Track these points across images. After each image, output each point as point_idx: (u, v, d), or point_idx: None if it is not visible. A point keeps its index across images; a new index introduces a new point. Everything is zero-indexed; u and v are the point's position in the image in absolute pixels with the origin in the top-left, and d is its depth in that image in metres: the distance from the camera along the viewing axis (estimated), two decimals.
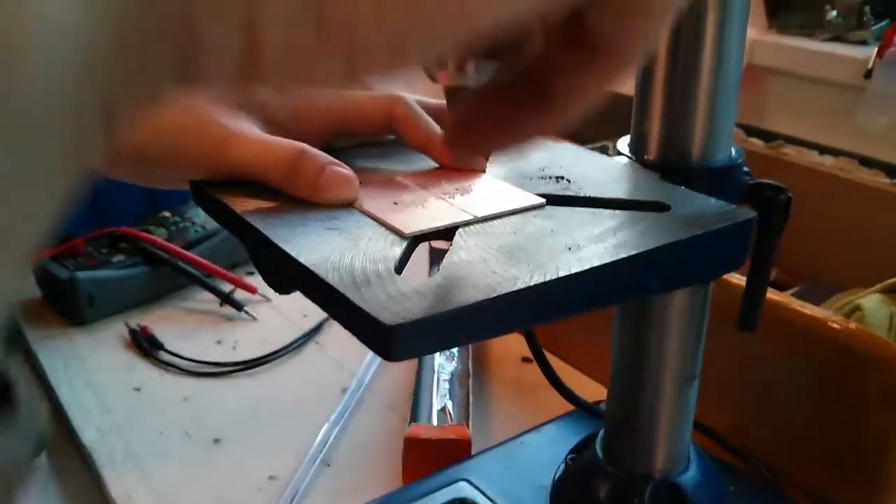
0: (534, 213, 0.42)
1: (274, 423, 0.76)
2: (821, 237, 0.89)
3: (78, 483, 0.72)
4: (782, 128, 1.05)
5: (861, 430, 0.62)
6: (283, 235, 0.39)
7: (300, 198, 0.43)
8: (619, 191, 0.45)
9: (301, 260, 0.36)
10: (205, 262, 0.95)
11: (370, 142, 0.52)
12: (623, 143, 0.53)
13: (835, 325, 0.61)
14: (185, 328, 0.91)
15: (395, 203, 0.43)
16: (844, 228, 0.87)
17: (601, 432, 0.60)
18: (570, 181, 0.46)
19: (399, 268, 0.36)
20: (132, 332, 0.88)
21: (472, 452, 0.68)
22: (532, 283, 0.34)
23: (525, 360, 0.83)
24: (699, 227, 0.40)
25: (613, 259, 0.37)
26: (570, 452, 0.64)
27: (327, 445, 0.72)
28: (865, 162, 0.90)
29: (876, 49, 0.99)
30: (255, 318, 0.92)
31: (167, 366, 0.84)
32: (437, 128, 0.48)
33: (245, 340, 0.89)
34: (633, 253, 0.37)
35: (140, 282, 0.93)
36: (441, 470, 0.65)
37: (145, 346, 0.86)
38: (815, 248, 0.90)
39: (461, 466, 0.65)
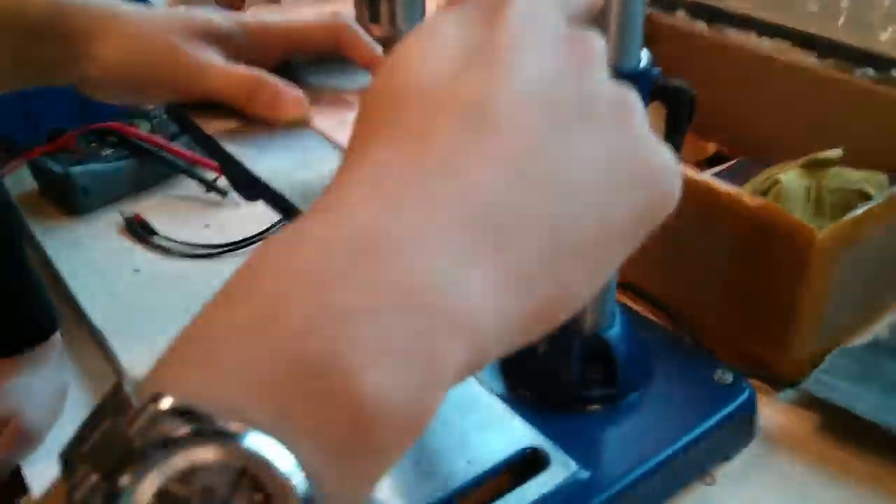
0: None
1: None
2: (758, 115, 0.97)
3: (90, 357, 0.82)
4: (728, 4, 1.10)
5: (772, 290, 0.71)
6: (246, 153, 0.47)
7: (260, 118, 0.51)
8: None
9: (262, 177, 0.44)
10: (188, 153, 1.02)
11: (321, 58, 0.59)
12: None
13: (746, 201, 0.69)
14: (174, 215, 0.99)
15: (344, 120, 0.51)
16: (778, 107, 0.95)
17: None
18: None
19: None
20: (127, 220, 0.96)
21: None
22: None
23: None
24: None
25: None
26: None
27: None
28: (803, 41, 0.97)
29: None
30: (237, 204, 1.00)
31: (162, 249, 0.93)
32: (379, 48, 0.55)
33: (230, 223, 0.97)
34: None
35: (129, 173, 1.00)
36: None
37: (140, 232, 0.94)
38: (754, 124, 0.97)
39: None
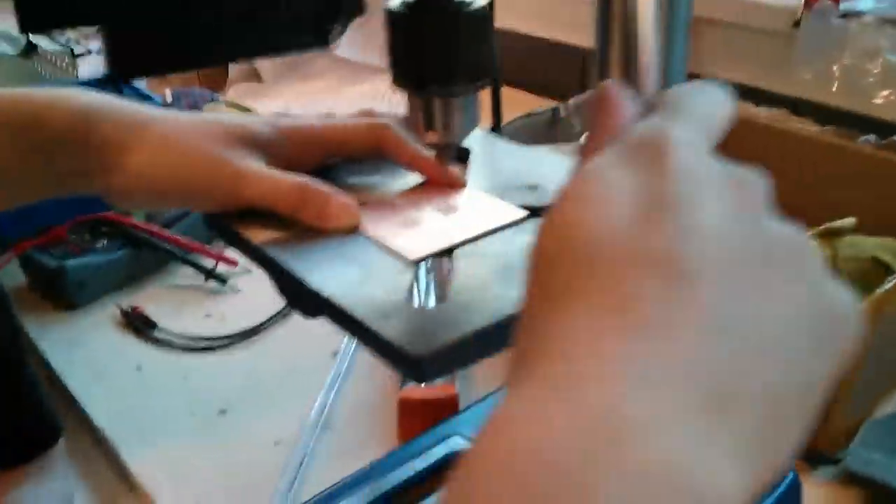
0: (520, 227, 0.49)
1: (272, 391, 0.83)
2: None
3: (95, 462, 0.78)
4: (720, 75, 1.12)
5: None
6: (302, 266, 0.45)
7: (309, 226, 0.49)
8: None
9: (325, 293, 0.42)
10: (184, 240, 0.99)
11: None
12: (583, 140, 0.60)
13: None
14: (173, 305, 0.96)
15: (396, 225, 0.49)
16: (781, 175, 0.95)
17: None
18: (545, 189, 0.53)
19: (410, 294, 0.42)
20: (124, 313, 0.93)
21: (461, 408, 0.75)
22: None
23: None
24: None
25: None
26: None
27: (326, 410, 0.79)
28: (797, 108, 0.98)
29: (803, 1, 1.06)
30: (238, 291, 0.98)
31: (162, 344, 0.90)
32: (420, 148, 0.54)
33: (232, 313, 0.95)
34: None
35: (125, 264, 0.98)
36: (433, 427, 0.73)
37: (139, 325, 0.91)
38: None
39: (452, 422, 0.73)
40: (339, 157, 0.56)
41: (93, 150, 0.51)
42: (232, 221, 0.50)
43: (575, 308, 0.25)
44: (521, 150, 0.60)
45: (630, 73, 0.55)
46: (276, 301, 0.95)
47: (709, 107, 0.33)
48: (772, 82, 1.08)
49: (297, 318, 0.94)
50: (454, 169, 0.52)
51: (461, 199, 0.52)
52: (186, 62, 0.40)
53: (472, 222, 0.49)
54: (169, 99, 1.26)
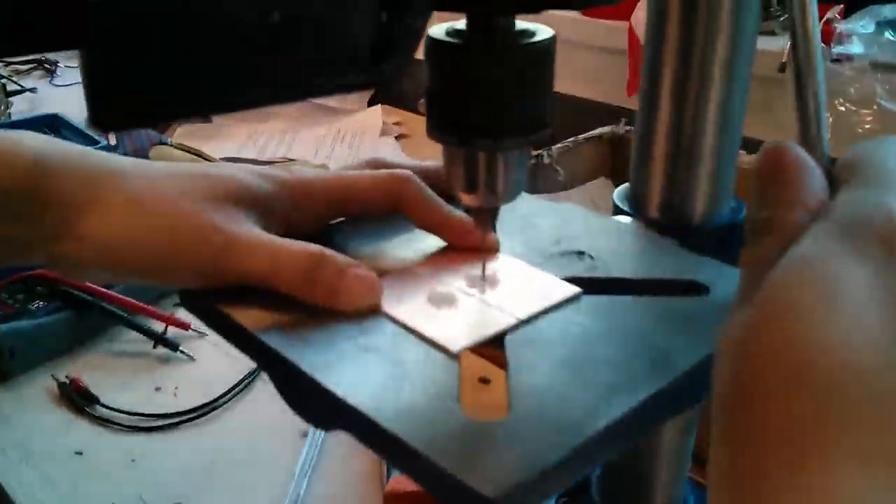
0: (575, 305, 0.40)
1: (235, 479, 0.73)
2: None
3: None
4: None
5: None
6: (315, 363, 0.36)
7: (316, 304, 0.40)
8: (644, 266, 0.44)
9: (352, 402, 0.33)
10: (130, 300, 0.89)
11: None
12: (620, 197, 0.52)
13: None
14: (118, 376, 0.85)
15: (423, 305, 0.40)
16: None
17: (596, 474, 0.59)
18: (592, 257, 0.45)
19: (459, 400, 0.34)
20: (62, 385, 0.82)
21: None
22: (618, 416, 0.32)
23: (483, 380, 0.82)
24: None
25: (689, 365, 0.35)
26: (562, 496, 0.63)
27: (299, 501, 0.69)
28: None
29: (790, 44, 1.01)
30: (192, 358, 0.87)
31: (106, 422, 0.79)
32: (448, 207, 0.45)
33: (186, 384, 0.84)
34: (702, 356, 0.36)
35: (63, 328, 0.86)
36: None
37: (79, 401, 0.80)
38: None
39: None
40: (347, 216, 0.48)
41: (42, 214, 0.41)
42: (216, 299, 0.41)
43: (840, 467, 0.19)
44: (548, 206, 0.52)
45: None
46: (235, 370, 0.86)
47: None
48: (758, 130, 1.02)
49: (259, 391, 0.84)
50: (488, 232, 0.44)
51: (497, 269, 0.44)
52: (195, 105, 0.31)
53: (516, 300, 0.41)
54: (113, 141, 1.15)
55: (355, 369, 0.35)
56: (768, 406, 0.21)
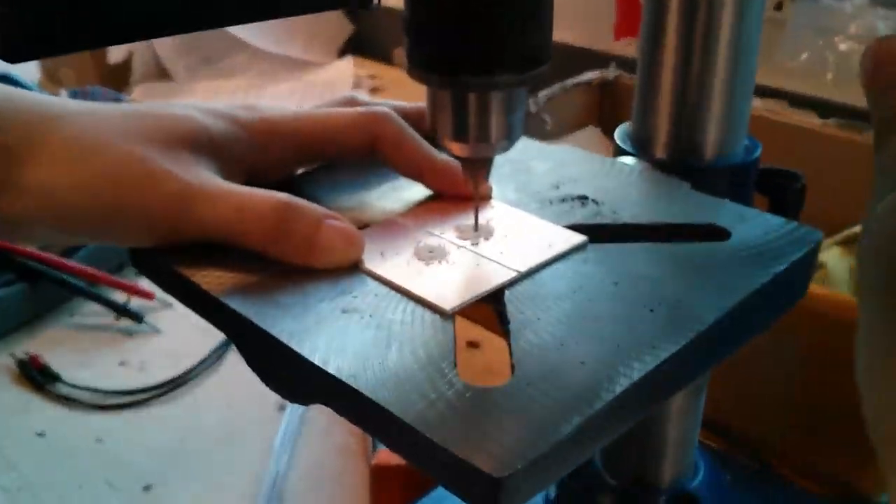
0: (580, 255, 0.35)
1: (208, 457, 0.68)
2: None
3: None
4: None
5: (855, 404, 0.60)
6: (289, 329, 0.31)
7: (288, 262, 0.34)
8: (656, 210, 0.39)
9: (332, 371, 0.28)
10: (90, 270, 0.83)
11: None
12: (622, 135, 0.47)
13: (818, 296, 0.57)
14: (79, 351, 0.80)
15: (410, 259, 0.35)
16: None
17: None
18: (597, 202, 0.40)
19: (455, 365, 0.29)
20: (20, 363, 0.76)
21: None
22: (637, 379, 0.28)
23: (472, 344, 0.77)
24: (776, 261, 0.34)
25: (714, 319, 0.31)
26: None
27: (277, 480, 0.64)
28: (791, 99, 0.87)
29: None
30: (158, 330, 0.82)
31: (69, 401, 0.74)
32: (430, 149, 0.40)
33: (153, 358, 0.79)
34: (728, 308, 0.31)
35: (19, 301, 0.81)
36: (418, 499, 0.59)
37: (39, 379, 0.75)
38: None
39: (441, 493, 0.59)
40: (319, 161, 0.42)
41: None
42: (172, 260, 0.35)
43: None
44: (542, 147, 0.47)
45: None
46: (205, 341, 0.80)
47: None
48: (761, 74, 0.98)
49: (232, 362, 0.79)
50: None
51: (491, 218, 0.39)
52: (128, 25, 0.25)
53: (515, 252, 0.36)
54: None
55: (335, 334, 0.30)
56: None
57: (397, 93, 1.35)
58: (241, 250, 0.35)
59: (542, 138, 0.90)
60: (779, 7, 0.96)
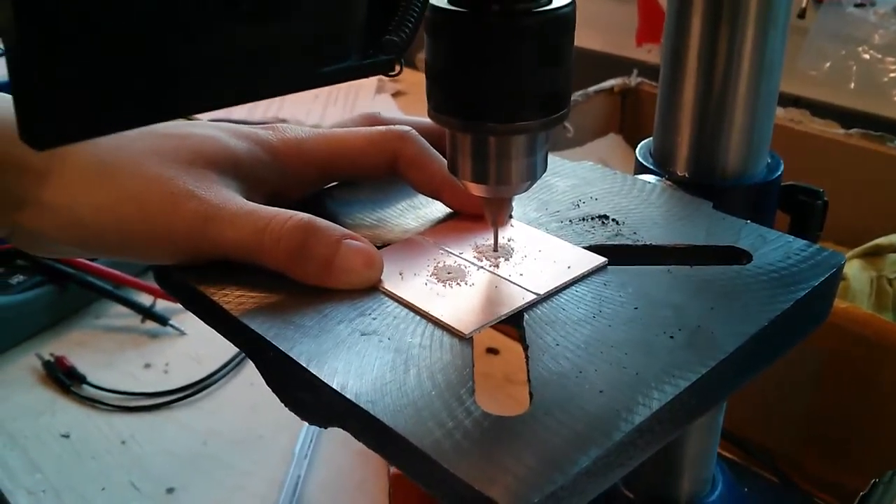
0: (600, 277, 0.36)
1: (230, 460, 0.68)
2: None
3: None
4: None
5: (874, 418, 0.59)
6: (308, 350, 0.31)
7: (307, 283, 0.35)
8: (677, 231, 0.39)
9: (351, 397, 0.29)
10: (115, 272, 0.84)
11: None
12: (643, 152, 0.47)
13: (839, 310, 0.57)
14: (105, 352, 0.80)
15: (427, 280, 0.35)
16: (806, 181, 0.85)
17: None
18: (617, 222, 0.40)
19: (473, 391, 0.29)
20: (47, 364, 0.77)
21: None
22: (658, 408, 0.28)
23: (490, 350, 0.77)
24: (798, 286, 0.34)
25: (735, 347, 0.31)
26: None
27: (298, 487, 0.65)
28: (813, 108, 0.87)
29: None
30: (183, 332, 0.83)
31: (94, 402, 0.74)
32: (445, 167, 0.40)
33: (177, 360, 0.80)
34: (749, 335, 0.31)
35: (46, 303, 0.82)
36: None
37: (65, 380, 0.76)
38: None
39: None
40: (340, 180, 0.43)
41: (2, 183, 0.36)
42: (193, 278, 0.36)
43: None
44: (563, 163, 0.47)
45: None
46: (229, 344, 0.80)
47: None
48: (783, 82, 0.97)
49: (254, 367, 0.79)
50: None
51: (511, 238, 0.39)
52: (155, 108, 0.26)
53: (534, 274, 0.36)
54: None
55: (353, 358, 0.31)
56: None
57: (419, 96, 1.35)
58: (260, 269, 0.35)
59: (563, 146, 0.91)
60: (802, 15, 0.95)
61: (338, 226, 0.35)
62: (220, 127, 0.39)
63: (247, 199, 0.37)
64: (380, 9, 0.29)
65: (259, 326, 0.33)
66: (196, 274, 0.36)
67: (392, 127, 0.41)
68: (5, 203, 0.36)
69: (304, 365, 0.30)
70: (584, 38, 1.25)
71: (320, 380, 0.30)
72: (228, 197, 0.36)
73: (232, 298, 0.35)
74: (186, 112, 0.28)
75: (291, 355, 0.31)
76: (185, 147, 0.37)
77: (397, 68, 0.31)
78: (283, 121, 1.26)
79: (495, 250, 0.38)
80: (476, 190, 0.33)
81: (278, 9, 0.27)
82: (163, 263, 0.37)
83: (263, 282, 0.35)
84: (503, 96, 0.30)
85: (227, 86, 0.28)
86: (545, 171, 0.34)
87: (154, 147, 0.37)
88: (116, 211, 0.35)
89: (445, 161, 0.41)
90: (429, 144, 0.40)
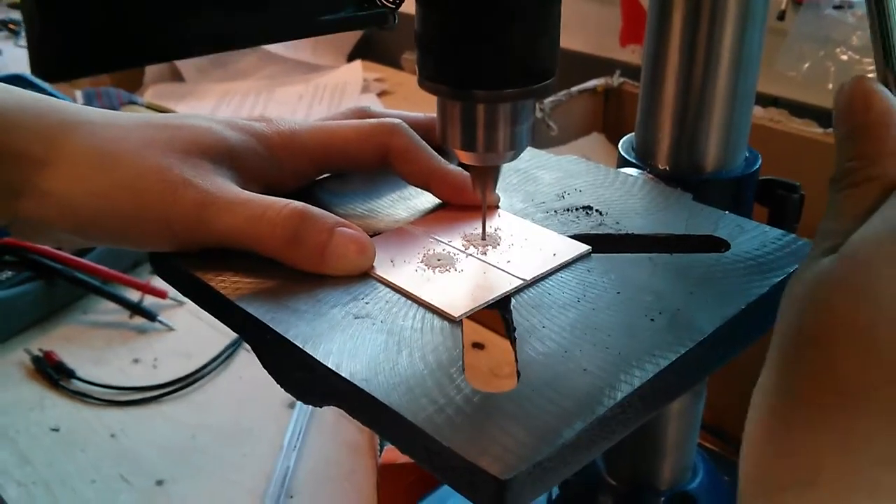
0: (584, 264, 0.37)
1: (219, 454, 0.69)
2: None
3: None
4: None
5: None
6: (303, 333, 0.32)
7: (301, 269, 0.36)
8: (658, 221, 0.41)
9: (345, 374, 0.30)
10: (103, 268, 0.85)
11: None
12: (626, 147, 0.49)
13: None
14: (93, 348, 0.81)
15: (418, 267, 0.37)
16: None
17: None
18: (601, 212, 0.41)
19: (463, 371, 0.30)
20: (35, 359, 0.78)
21: None
22: (639, 385, 0.29)
23: (476, 345, 0.78)
24: (773, 272, 0.36)
25: (713, 328, 0.32)
26: None
27: (287, 477, 0.66)
28: (792, 108, 0.88)
29: None
30: (171, 328, 0.84)
31: (83, 397, 0.75)
32: (439, 159, 0.41)
33: (165, 355, 0.80)
34: (726, 318, 0.33)
35: (34, 299, 0.82)
36: (424, 497, 0.61)
37: (53, 375, 0.76)
38: None
39: (446, 491, 0.61)
40: (333, 171, 0.44)
41: (2, 167, 0.37)
42: (189, 264, 0.37)
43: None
44: (548, 157, 0.48)
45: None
46: (216, 339, 0.82)
47: None
48: (762, 82, 0.99)
49: (242, 360, 0.81)
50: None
51: (498, 227, 0.40)
52: (163, 46, 0.27)
53: (521, 261, 0.37)
54: (80, 101, 1.10)
55: (348, 339, 0.32)
56: (819, 350, 0.22)
57: (405, 96, 1.36)
58: (256, 256, 0.36)
59: (547, 144, 0.92)
60: (782, 17, 0.97)
61: (331, 214, 0.37)
62: (215, 119, 0.40)
63: (242, 189, 0.38)
64: None
65: (256, 310, 0.34)
66: (192, 260, 0.37)
67: (383, 120, 0.42)
68: (5, 192, 0.37)
69: (301, 346, 0.32)
70: (570, 39, 1.27)
71: (316, 360, 0.31)
72: (224, 185, 0.37)
73: (228, 284, 0.36)
74: (193, 53, 0.29)
75: (288, 337, 0.32)
76: (180, 137, 0.38)
77: (390, 20, 0.33)
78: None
79: (483, 238, 0.39)
80: (465, 157, 0.35)
81: None
82: (160, 250, 0.38)
83: (258, 267, 0.36)
84: (490, 65, 0.32)
85: (232, 29, 0.29)
86: (529, 143, 0.35)
87: (150, 137, 0.38)
88: (114, 199, 0.36)
89: (434, 153, 0.42)
90: (418, 136, 0.41)
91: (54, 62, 0.26)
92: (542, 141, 0.91)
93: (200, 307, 0.37)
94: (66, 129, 0.37)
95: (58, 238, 0.40)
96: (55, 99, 0.39)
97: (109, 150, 0.37)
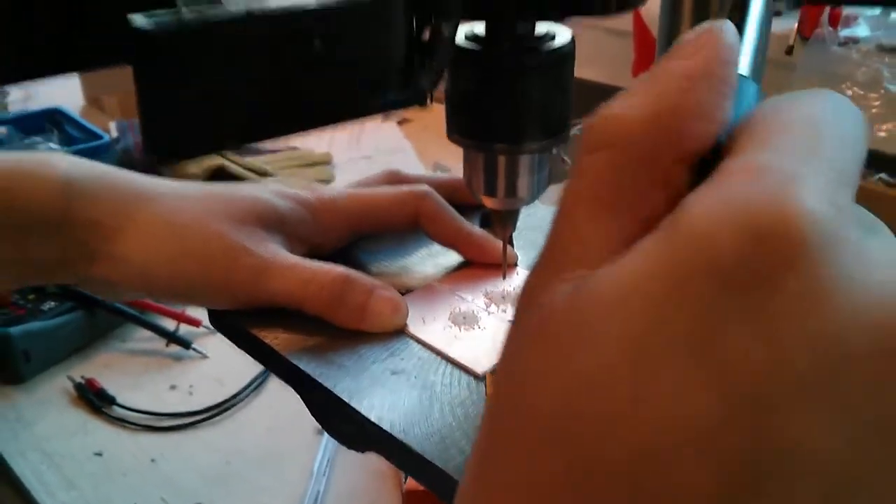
0: None
1: (253, 477, 0.73)
2: None
3: None
4: None
5: None
6: (350, 388, 0.36)
7: (343, 326, 0.40)
8: None
9: (387, 427, 0.34)
10: (140, 299, 0.89)
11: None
12: None
13: None
14: (132, 375, 0.86)
15: (446, 323, 0.41)
16: None
17: None
18: None
19: None
20: (78, 386, 0.82)
21: None
22: None
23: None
24: None
25: None
26: None
27: (318, 501, 0.70)
28: None
29: (796, 26, 1.01)
30: (205, 356, 0.88)
31: (123, 422, 0.79)
32: (464, 221, 0.46)
33: (200, 382, 0.85)
34: None
35: (76, 328, 0.87)
36: None
37: (96, 401, 0.81)
38: None
39: None
40: (366, 234, 0.48)
41: (74, 235, 0.41)
42: (243, 321, 0.41)
43: None
44: None
45: None
46: (248, 366, 0.86)
47: (845, 143, 0.19)
48: None
49: (273, 388, 0.85)
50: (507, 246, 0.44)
51: (517, 286, 0.44)
52: (244, 134, 0.31)
53: None
54: (115, 133, 1.15)
55: (387, 394, 0.36)
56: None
57: (422, 123, 1.39)
58: (302, 313, 0.41)
59: (561, 178, 0.96)
60: (790, 52, 1.01)
61: (369, 277, 0.41)
62: (267, 189, 0.45)
63: (289, 252, 0.42)
64: (416, 53, 0.34)
65: (306, 366, 0.38)
66: (246, 317, 0.41)
67: (413, 187, 0.46)
68: (80, 256, 0.42)
69: (347, 401, 0.36)
70: (584, 69, 1.30)
71: (361, 413, 0.35)
72: (277, 252, 0.41)
73: (281, 340, 0.40)
74: (277, 134, 0.33)
75: (335, 392, 0.36)
76: (236, 207, 0.42)
77: (429, 99, 0.37)
78: (295, 148, 1.31)
79: (504, 297, 0.43)
80: (488, 202, 0.39)
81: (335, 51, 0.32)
82: (220, 308, 0.42)
83: (304, 324, 0.40)
84: (510, 123, 0.36)
85: (307, 113, 0.32)
86: (546, 189, 0.39)
87: (211, 207, 0.42)
88: (181, 264, 0.41)
89: (459, 216, 0.46)
90: (445, 201, 0.46)
91: (166, 149, 0.29)
92: (558, 175, 0.94)
93: (255, 359, 0.41)
94: (136, 201, 0.41)
95: (126, 296, 0.45)
96: (127, 172, 0.43)
97: (175, 220, 0.41)
